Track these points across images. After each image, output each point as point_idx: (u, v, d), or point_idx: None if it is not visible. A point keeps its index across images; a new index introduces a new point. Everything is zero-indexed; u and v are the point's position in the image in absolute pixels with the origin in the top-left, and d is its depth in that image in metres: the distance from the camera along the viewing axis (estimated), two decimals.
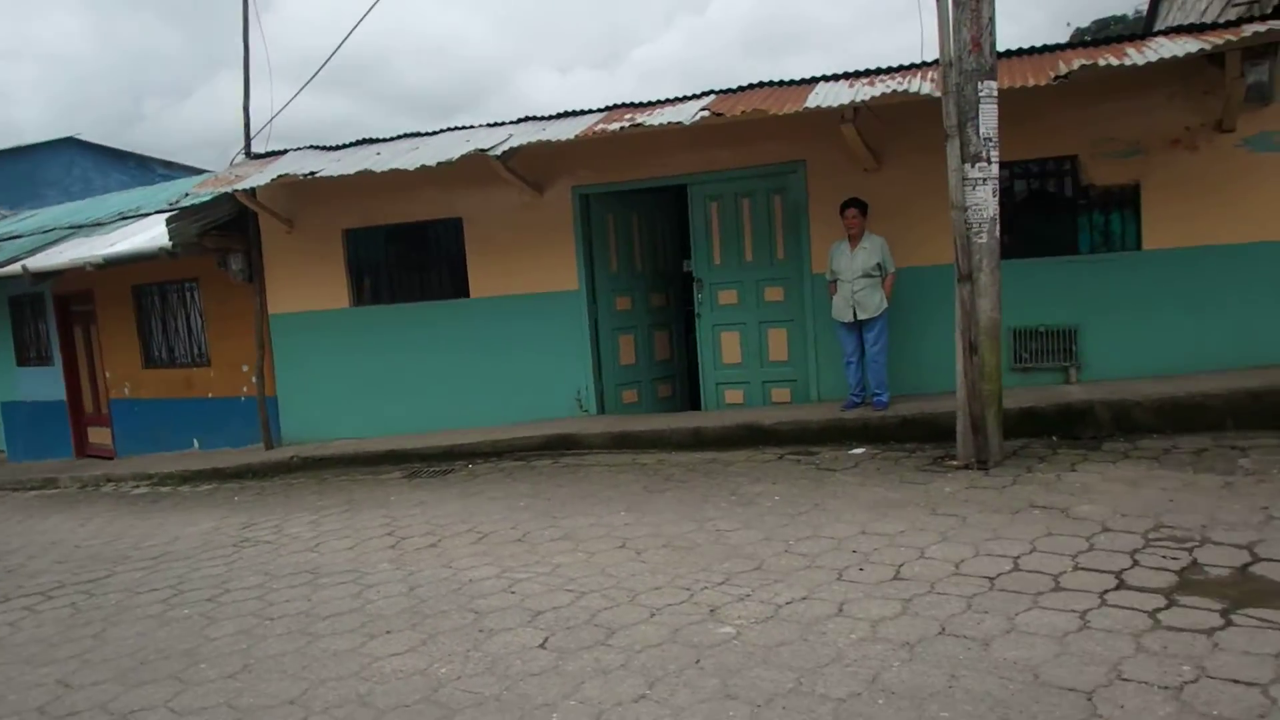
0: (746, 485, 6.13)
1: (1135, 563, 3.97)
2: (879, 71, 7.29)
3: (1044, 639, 3.27)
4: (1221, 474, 5.26)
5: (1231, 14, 7.47)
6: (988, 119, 5.75)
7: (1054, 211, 7.46)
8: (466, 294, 9.27)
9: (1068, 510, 4.81)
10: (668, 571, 4.54)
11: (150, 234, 10.35)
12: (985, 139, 5.76)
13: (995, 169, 5.83)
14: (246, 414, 10.34)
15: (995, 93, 5.77)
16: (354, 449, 8.95)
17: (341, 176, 8.00)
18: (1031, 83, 6.10)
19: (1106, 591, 3.67)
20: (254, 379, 10.00)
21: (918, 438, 6.93)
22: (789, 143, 7.93)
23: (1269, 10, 6.72)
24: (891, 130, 7.48)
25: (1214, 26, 6.54)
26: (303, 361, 9.96)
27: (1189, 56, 6.03)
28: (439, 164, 7.48)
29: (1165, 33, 6.75)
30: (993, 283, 5.92)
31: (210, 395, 10.98)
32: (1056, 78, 6.05)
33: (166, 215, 9.81)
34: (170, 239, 9.25)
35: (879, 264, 7.20)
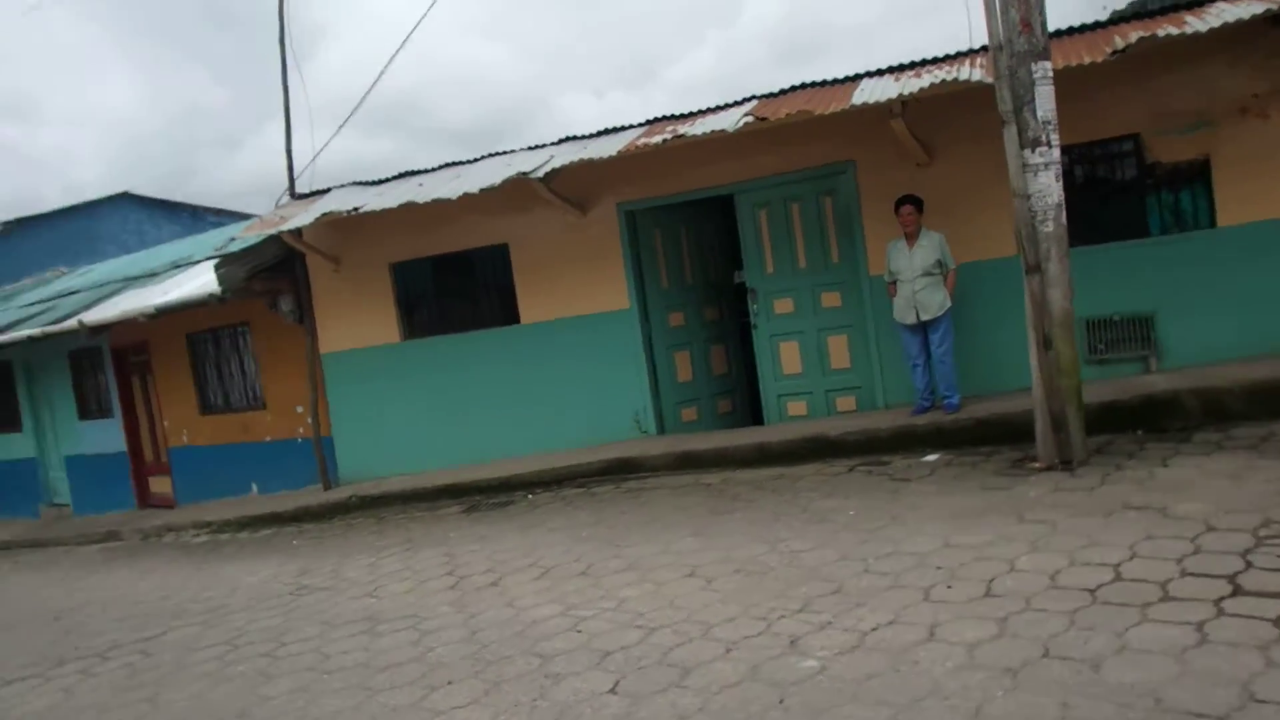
0: (818, 501, 5.95)
1: (1249, 564, 3.71)
2: (924, 63, 7.10)
3: (1161, 657, 3.05)
4: None
5: None
6: (1044, 101, 5.54)
7: (1119, 194, 7.17)
8: (517, 320, 9.24)
9: (1166, 510, 4.55)
10: (741, 600, 4.39)
11: (200, 281, 10.53)
12: (1044, 122, 5.54)
13: (1056, 153, 5.60)
14: (303, 455, 10.42)
15: (1050, 73, 5.55)
16: (411, 485, 8.95)
17: (385, 210, 8.04)
18: (1088, 60, 5.87)
19: (1222, 599, 3.43)
20: (309, 419, 10.08)
21: (994, 440, 6.68)
22: (836, 143, 7.76)
23: None
24: (941, 122, 7.27)
25: None
26: (356, 399, 10.02)
27: (1254, 19, 5.75)
28: (481, 190, 7.46)
29: None
30: (1062, 272, 5.69)
31: (267, 438, 11.11)
32: (1114, 52, 5.81)
33: (214, 261, 9.97)
34: (219, 284, 9.39)
35: (939, 261, 6.98)
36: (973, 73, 6.18)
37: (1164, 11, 6.52)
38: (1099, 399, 6.29)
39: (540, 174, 7.32)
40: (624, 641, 4.16)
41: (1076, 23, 6.97)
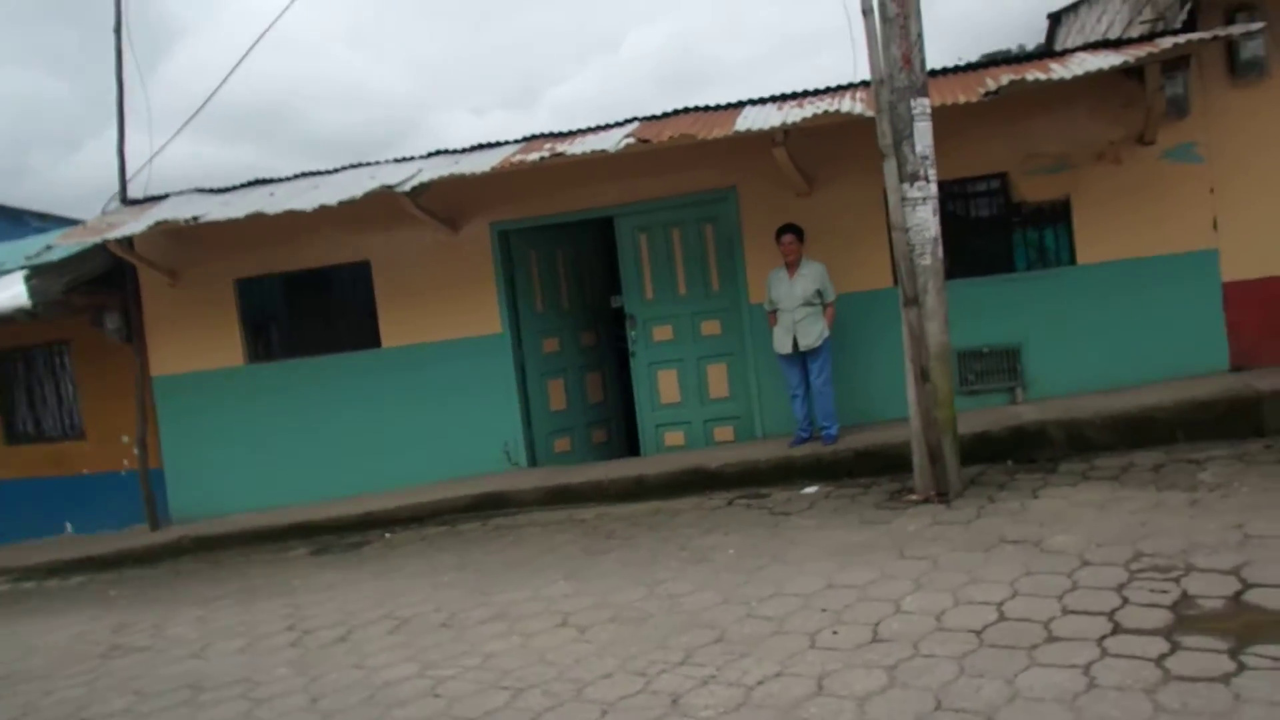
0: (697, 538, 5.88)
1: (1125, 600, 3.84)
2: (807, 94, 7.24)
3: (1054, 705, 3.06)
4: (1185, 490, 5.24)
5: (1135, 32, 7.69)
6: (923, 136, 5.70)
7: (988, 230, 7.50)
8: (378, 344, 8.86)
9: (1041, 543, 4.69)
10: (618, 652, 4.20)
11: (9, 293, 9.58)
12: (922, 157, 5.71)
13: (934, 188, 5.77)
14: (128, 491, 9.58)
15: (928, 110, 5.73)
16: (254, 524, 8.38)
17: (230, 221, 7.55)
18: (963, 99, 6.10)
19: (1104, 638, 3.51)
20: (135, 450, 9.31)
21: (872, 471, 6.81)
22: (718, 169, 7.82)
23: (1177, 26, 6.91)
24: (823, 153, 7.42)
25: (1130, 41, 6.68)
26: (193, 428, 9.33)
27: (1112, 69, 6.12)
28: (340, 203, 7.11)
29: (1084, 48, 6.86)
30: (940, 305, 5.85)
31: (85, 471, 10.19)
32: (987, 93, 6.06)
33: (25, 271, 9.07)
34: (29, 297, 8.54)
35: (819, 291, 7.08)
36: (854, 105, 6.32)
37: (1031, 58, 6.87)
38: (971, 430, 6.50)
39: (406, 188, 7.04)
40: (488, 705, 3.87)
41: (949, 64, 7.26)
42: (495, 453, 8.63)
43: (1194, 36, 5.83)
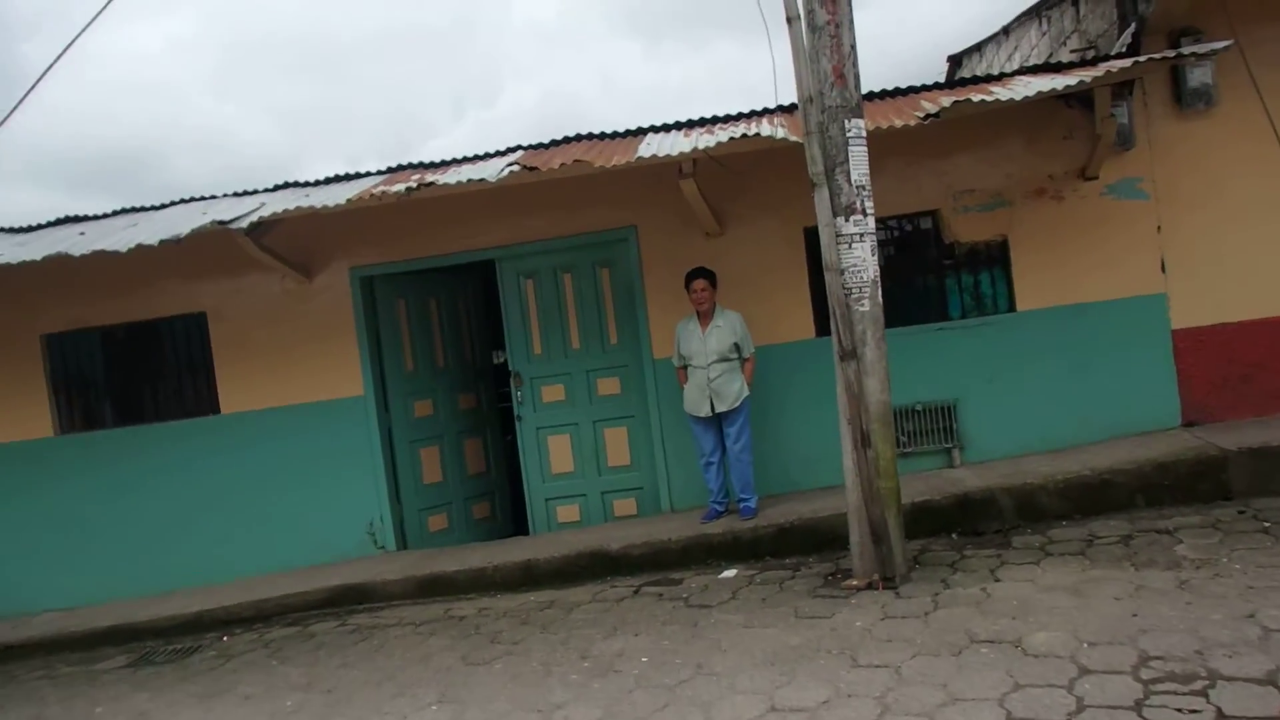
0: (600, 641, 5.00)
1: None
2: (717, 119, 6.63)
3: None
4: (1167, 568, 4.69)
5: (1064, 59, 7.43)
6: (858, 163, 5.12)
7: (919, 274, 6.98)
8: (216, 409, 7.72)
9: (1021, 643, 4.01)
10: None
11: None
12: (858, 186, 5.11)
13: (871, 222, 5.18)
14: None
15: (864, 133, 5.15)
16: (62, 627, 7.06)
17: (26, 264, 6.37)
18: (899, 123, 5.56)
19: None
20: None
21: (798, 549, 6.12)
22: (615, 206, 7.12)
23: (1119, 52, 6.63)
24: (735, 186, 6.79)
25: (1074, 65, 6.32)
26: None
27: (1054, 95, 5.71)
28: (162, 243, 6.05)
29: (1023, 72, 6.49)
30: (880, 358, 5.22)
31: None
32: (927, 116, 5.54)
33: None
34: None
35: (736, 344, 6.40)
36: (776, 130, 5.71)
37: (974, 80, 6.43)
38: (910, 499, 5.86)
39: (244, 225, 6.05)
40: None
41: (876, 88, 6.77)
42: (358, 534, 7.58)
43: (1157, 56, 5.45)
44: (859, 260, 5.14)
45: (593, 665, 4.66)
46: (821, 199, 5.10)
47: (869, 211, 5.16)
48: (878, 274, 5.20)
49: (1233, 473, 5.69)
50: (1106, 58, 6.12)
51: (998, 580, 4.94)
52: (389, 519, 7.57)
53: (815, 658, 4.23)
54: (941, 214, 6.83)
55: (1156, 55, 5.45)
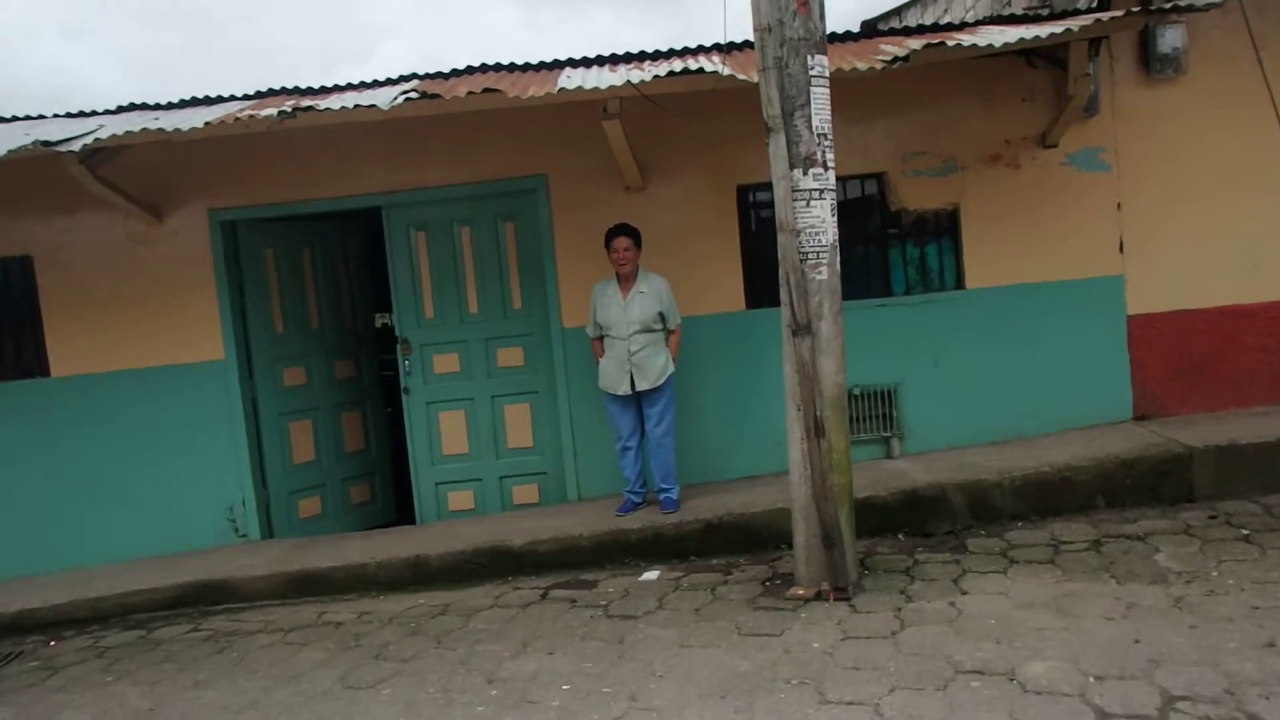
0: (509, 661, 4.27)
1: None
2: (646, 56, 5.87)
3: None
4: (1152, 582, 4.27)
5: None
6: (820, 107, 4.47)
7: (861, 244, 6.40)
8: (45, 371, 6.59)
9: (1015, 675, 3.47)
10: None
11: None
12: (819, 135, 4.47)
13: (833, 177, 4.55)
14: None
15: (827, 73, 4.51)
16: None
17: None
18: (864, 66, 4.93)
19: None
20: None
21: (727, 548, 5.53)
22: (523, 151, 6.32)
23: (1078, 7, 6.18)
24: (661, 135, 6.11)
25: (1044, 18, 5.81)
26: None
27: (1053, 40, 5.14)
28: None
29: (992, 22, 5.95)
30: (836, 335, 4.61)
31: None
32: (894, 60, 4.92)
33: None
34: None
35: (660, 314, 5.70)
36: (721, 66, 4.99)
37: (924, 31, 5.85)
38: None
39: (74, 147, 4.99)
40: None
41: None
42: (216, 521, 6.63)
43: (1166, 4, 4.91)
44: (817, 220, 4.50)
45: (502, 693, 3.93)
46: (777, 147, 4.42)
47: (830, 164, 4.53)
48: (837, 237, 4.58)
49: (1197, 472, 5.34)
50: (1076, 12, 5.62)
51: (964, 593, 4.43)
52: (252, 503, 6.63)
53: (773, 689, 3.61)
54: (889, 177, 6.27)
55: (1166, 3, 4.94)
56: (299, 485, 6.97)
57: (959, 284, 6.35)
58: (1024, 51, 5.93)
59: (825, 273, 4.53)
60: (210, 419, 6.57)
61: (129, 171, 6.12)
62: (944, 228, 6.34)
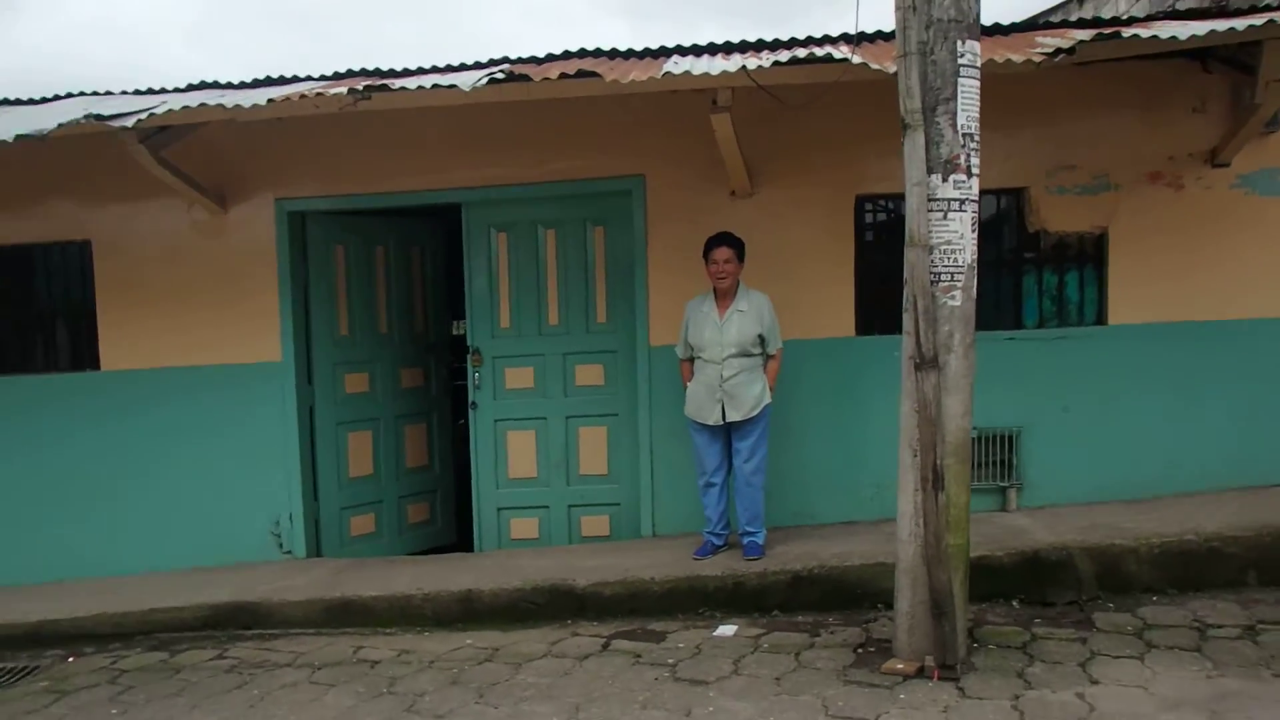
0: None
1: None
2: (764, 45, 5.27)
3: None
4: None
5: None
6: (969, 103, 3.85)
7: (990, 267, 5.68)
8: (95, 364, 6.31)
9: None
10: None
11: None
12: (965, 135, 3.84)
13: (976, 186, 3.92)
14: None
15: (978, 62, 3.88)
16: None
17: None
18: (1019, 59, 4.29)
19: None
20: None
21: (816, 605, 4.92)
22: (619, 148, 5.83)
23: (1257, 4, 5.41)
24: (773, 136, 5.55)
25: (1231, 12, 5.06)
26: None
27: (1253, 34, 4.38)
28: (19, 138, 4.65)
29: (1164, 16, 5.24)
30: (966, 372, 3.97)
31: None
32: (1057, 52, 4.27)
33: None
34: None
35: (760, 336, 5.11)
36: (851, 55, 4.40)
37: (1085, 25, 5.14)
38: None
39: (128, 123, 4.64)
40: None
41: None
42: (260, 534, 6.26)
43: None
44: (955, 235, 3.87)
45: None
46: (913, 148, 3.81)
47: (974, 170, 3.90)
48: (975, 258, 3.94)
49: None
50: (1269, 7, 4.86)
51: (1095, 682, 3.73)
52: (300, 517, 6.23)
53: None
54: (1029, 193, 5.59)
55: None
56: (353, 501, 6.55)
57: (1100, 319, 5.62)
58: (1198, 53, 5.22)
59: (959, 298, 3.89)
60: (263, 425, 6.20)
61: (194, 155, 5.81)
62: (1088, 254, 5.63)
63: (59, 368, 6.41)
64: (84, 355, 6.37)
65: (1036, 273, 5.70)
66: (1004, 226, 5.69)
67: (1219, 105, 5.37)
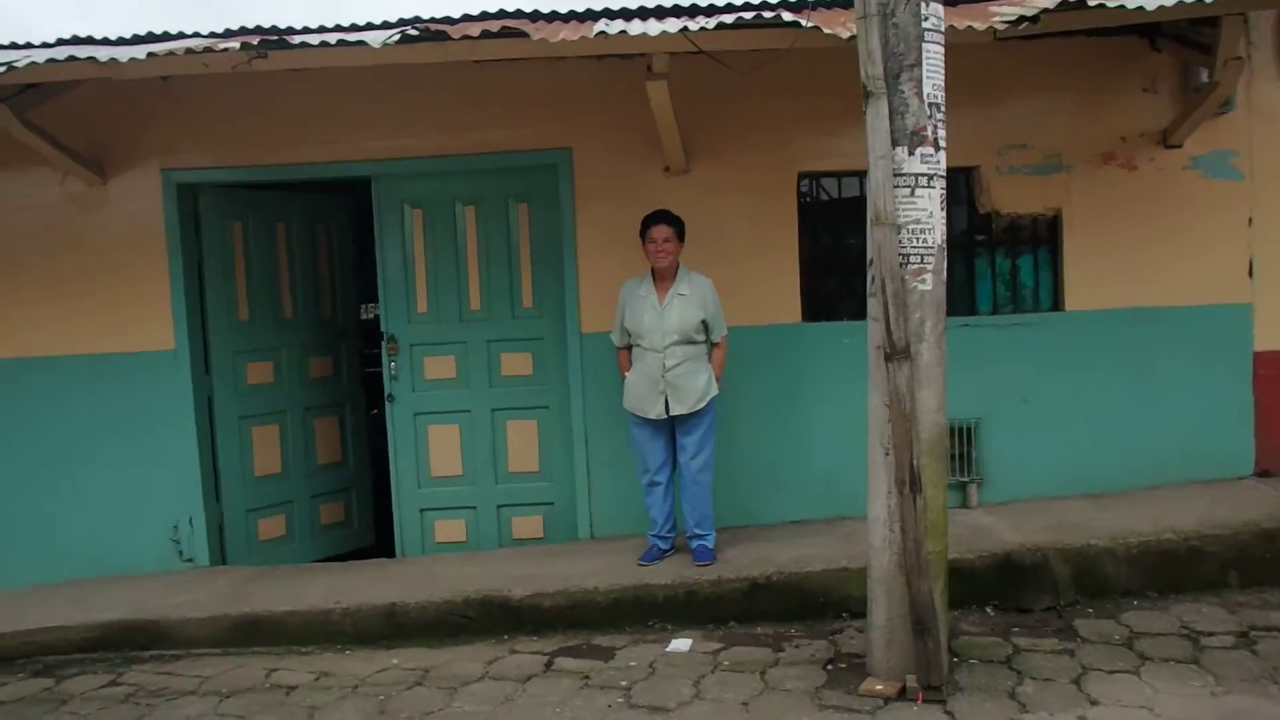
0: None
1: None
2: (698, 10, 4.89)
3: None
4: None
5: None
6: (934, 70, 3.56)
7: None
8: None
9: None
10: None
11: None
12: (931, 104, 3.55)
13: (943, 161, 3.63)
14: None
15: (943, 27, 3.59)
16: None
17: None
18: (981, 26, 4.02)
19: None
20: None
21: (776, 615, 4.61)
22: (544, 118, 5.40)
23: None
24: (712, 109, 5.20)
25: None
26: None
27: (1220, 8, 4.22)
28: None
29: None
30: (938, 361, 3.70)
31: None
32: (1020, 19, 4.00)
33: None
34: None
35: (704, 322, 4.76)
36: (805, 21, 4.05)
37: None
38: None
39: None
40: None
41: None
42: (157, 540, 5.70)
43: None
44: (924, 214, 3.58)
45: None
46: (876, 118, 3.49)
47: (942, 144, 3.62)
48: (944, 237, 3.66)
49: None
50: None
51: (1095, 703, 3.50)
52: (201, 522, 5.69)
53: None
54: (980, 173, 5.36)
55: None
56: (260, 502, 6.02)
57: (1056, 304, 5.44)
58: (1146, 29, 5.04)
59: (930, 281, 3.61)
60: (156, 419, 5.62)
61: (68, 120, 5.21)
62: (1042, 237, 5.44)
63: None
64: None
65: (989, 256, 5.49)
66: (954, 207, 5.43)
67: (1169, 85, 5.23)
